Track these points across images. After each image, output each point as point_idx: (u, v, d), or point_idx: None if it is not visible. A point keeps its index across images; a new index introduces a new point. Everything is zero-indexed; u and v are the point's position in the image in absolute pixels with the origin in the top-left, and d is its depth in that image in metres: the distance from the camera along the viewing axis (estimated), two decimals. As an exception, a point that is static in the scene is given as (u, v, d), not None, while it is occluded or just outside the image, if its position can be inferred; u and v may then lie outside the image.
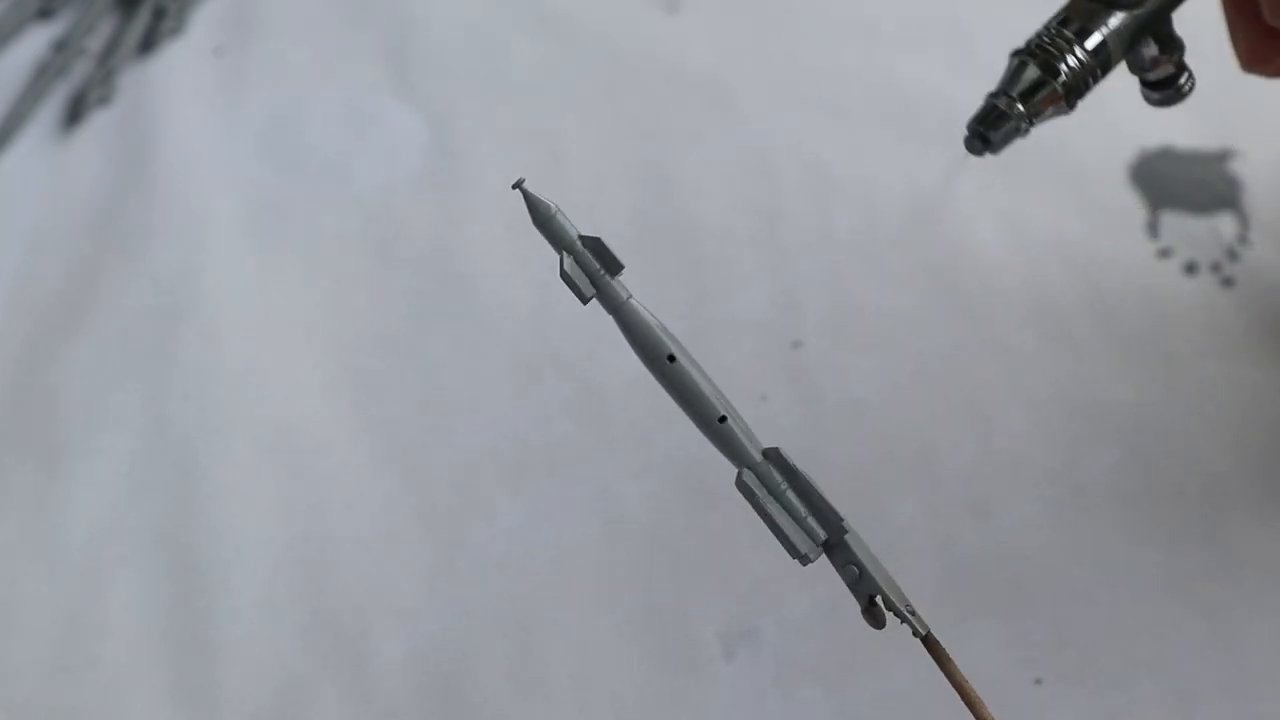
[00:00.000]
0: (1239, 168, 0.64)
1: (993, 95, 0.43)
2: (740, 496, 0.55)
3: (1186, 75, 0.44)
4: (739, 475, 0.36)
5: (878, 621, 0.36)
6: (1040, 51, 0.42)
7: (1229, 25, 0.46)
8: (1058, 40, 0.42)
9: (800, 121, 0.67)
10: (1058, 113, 0.43)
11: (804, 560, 0.36)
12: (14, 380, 0.59)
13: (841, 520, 0.36)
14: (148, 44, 0.71)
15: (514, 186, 0.36)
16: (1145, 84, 0.44)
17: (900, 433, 0.57)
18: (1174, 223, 0.63)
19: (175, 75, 0.70)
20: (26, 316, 0.61)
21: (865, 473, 0.56)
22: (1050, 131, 0.66)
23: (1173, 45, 0.43)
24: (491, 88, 0.69)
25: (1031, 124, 0.43)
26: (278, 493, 0.56)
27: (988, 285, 0.61)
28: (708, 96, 0.68)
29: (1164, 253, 0.62)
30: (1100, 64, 0.43)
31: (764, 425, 0.38)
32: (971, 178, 0.65)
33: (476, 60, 0.71)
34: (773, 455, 0.36)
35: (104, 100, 0.68)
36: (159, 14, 0.71)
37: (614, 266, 0.36)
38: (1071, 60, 0.42)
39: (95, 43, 0.71)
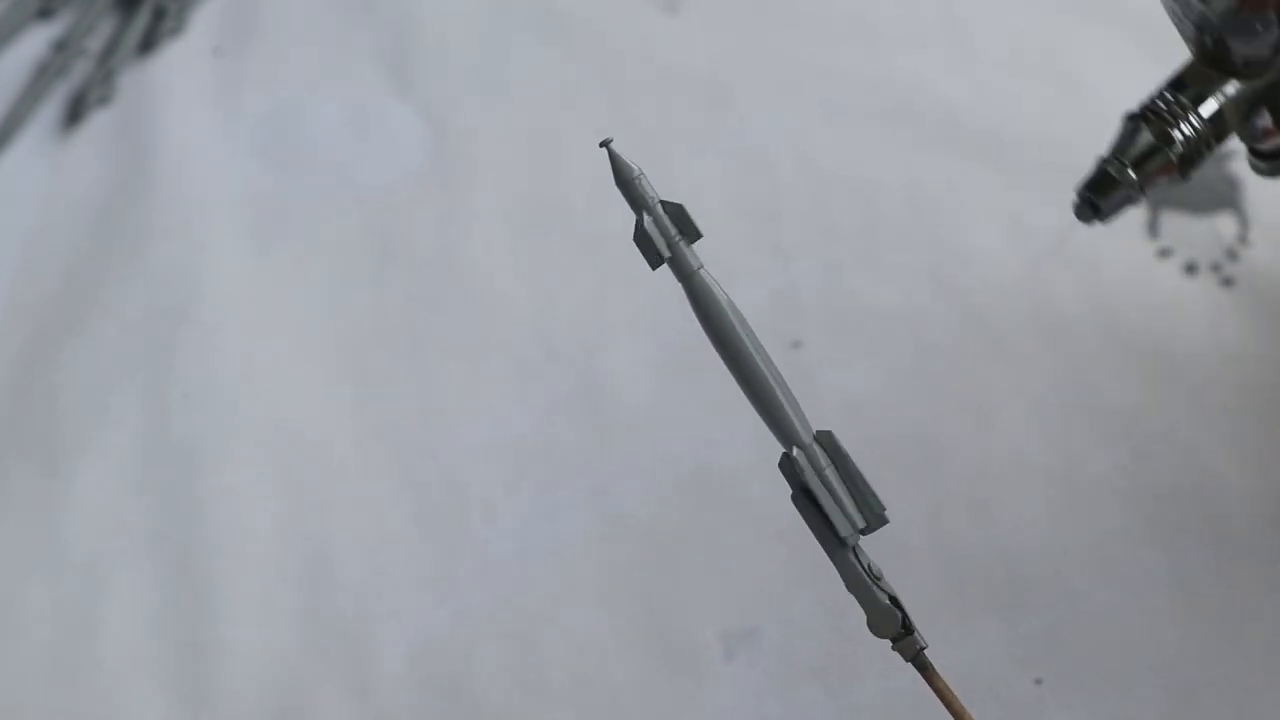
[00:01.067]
0: (1239, 168, 0.64)
1: (1104, 160, 0.40)
2: (740, 495, 0.55)
3: None
4: (785, 455, 0.36)
5: (890, 627, 0.36)
6: (1155, 117, 0.40)
7: None
8: (1174, 107, 0.40)
9: (800, 121, 0.67)
10: (1172, 182, 0.40)
11: (843, 544, 0.36)
12: (14, 380, 0.59)
13: (883, 510, 0.36)
14: (148, 44, 0.71)
15: (601, 145, 0.37)
16: (1254, 152, 0.42)
17: (900, 433, 0.57)
18: (1174, 223, 0.63)
19: (175, 75, 0.70)
20: (26, 316, 0.61)
21: (865, 473, 0.56)
22: (1050, 131, 0.66)
23: None
24: (491, 88, 0.69)
25: (1144, 192, 0.40)
26: (278, 493, 0.56)
27: (988, 285, 0.61)
28: (708, 96, 0.68)
29: (1164, 253, 0.62)
30: (1216, 133, 0.40)
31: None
32: (972, 178, 0.65)
33: (476, 60, 0.70)
34: (824, 438, 0.36)
35: (104, 100, 0.68)
36: (159, 14, 0.71)
37: (692, 234, 0.37)
38: (1186, 128, 0.40)
39: (95, 43, 0.71)
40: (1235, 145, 0.65)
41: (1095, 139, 0.65)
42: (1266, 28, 0.39)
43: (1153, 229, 0.63)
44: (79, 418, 0.58)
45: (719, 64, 0.70)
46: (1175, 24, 0.41)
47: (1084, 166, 0.64)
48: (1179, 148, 0.40)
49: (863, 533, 0.36)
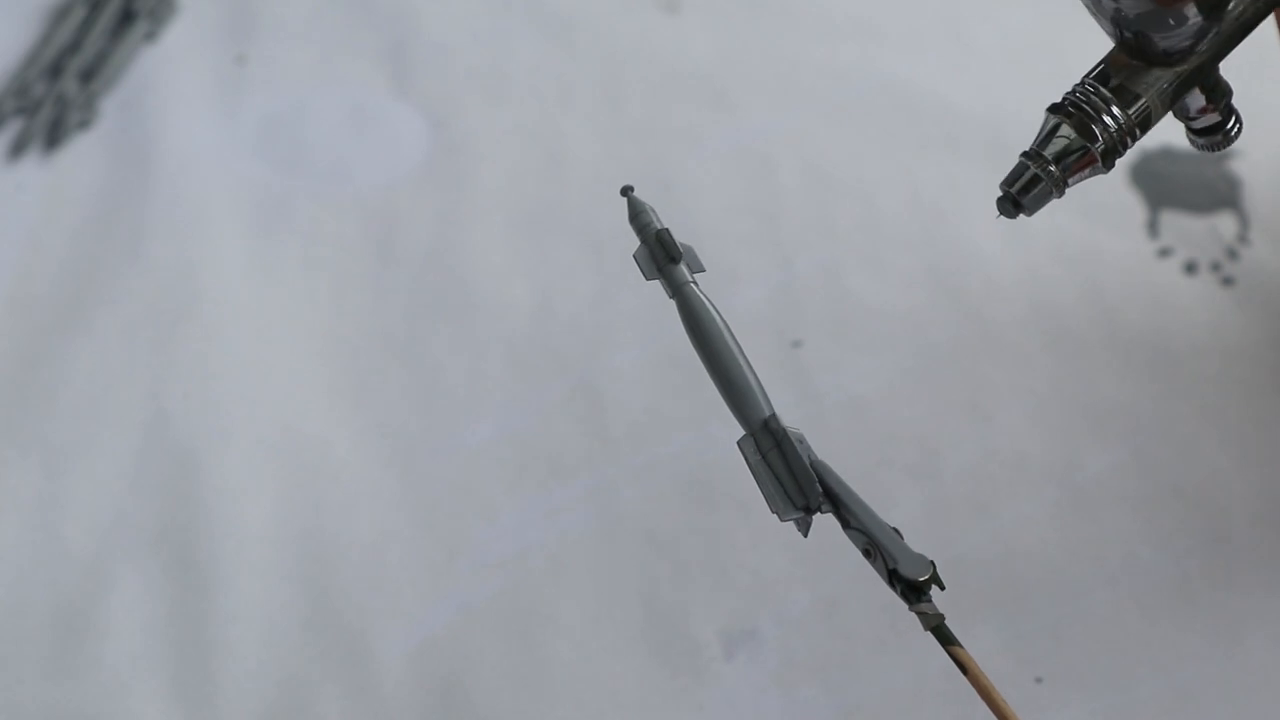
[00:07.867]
0: (1239, 167, 0.64)
1: (1025, 155, 0.39)
2: (740, 495, 0.55)
3: (1234, 120, 0.41)
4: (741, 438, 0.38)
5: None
6: (1076, 110, 0.39)
7: None
8: (1094, 99, 0.39)
9: (800, 121, 0.67)
10: (1094, 173, 0.39)
11: (783, 518, 0.37)
12: (14, 379, 0.59)
13: (818, 500, 0.37)
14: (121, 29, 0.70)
15: (623, 193, 0.41)
16: (1191, 130, 0.41)
17: (900, 433, 0.57)
18: (1174, 222, 0.63)
19: (175, 75, 0.70)
20: (27, 315, 0.61)
21: (865, 472, 0.56)
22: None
23: (1219, 93, 0.40)
24: (491, 88, 0.69)
25: (1066, 186, 0.39)
26: (278, 492, 0.56)
27: (988, 285, 0.61)
28: (708, 96, 0.68)
29: (1164, 252, 0.62)
30: (1140, 122, 0.39)
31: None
32: (972, 178, 0.65)
33: (476, 60, 0.71)
34: (773, 423, 0.38)
35: (85, 124, 0.68)
36: (129, 16, 0.71)
37: (676, 256, 0.41)
38: (1109, 120, 0.39)
39: (78, 62, 0.70)
40: (1236, 145, 0.65)
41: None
42: (1181, 22, 0.38)
43: (1153, 229, 0.63)
44: (79, 416, 0.58)
45: (719, 64, 0.70)
46: (1092, 15, 0.40)
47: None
48: (1100, 141, 0.39)
49: (805, 512, 0.37)
